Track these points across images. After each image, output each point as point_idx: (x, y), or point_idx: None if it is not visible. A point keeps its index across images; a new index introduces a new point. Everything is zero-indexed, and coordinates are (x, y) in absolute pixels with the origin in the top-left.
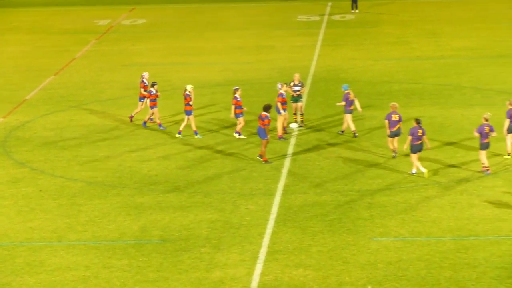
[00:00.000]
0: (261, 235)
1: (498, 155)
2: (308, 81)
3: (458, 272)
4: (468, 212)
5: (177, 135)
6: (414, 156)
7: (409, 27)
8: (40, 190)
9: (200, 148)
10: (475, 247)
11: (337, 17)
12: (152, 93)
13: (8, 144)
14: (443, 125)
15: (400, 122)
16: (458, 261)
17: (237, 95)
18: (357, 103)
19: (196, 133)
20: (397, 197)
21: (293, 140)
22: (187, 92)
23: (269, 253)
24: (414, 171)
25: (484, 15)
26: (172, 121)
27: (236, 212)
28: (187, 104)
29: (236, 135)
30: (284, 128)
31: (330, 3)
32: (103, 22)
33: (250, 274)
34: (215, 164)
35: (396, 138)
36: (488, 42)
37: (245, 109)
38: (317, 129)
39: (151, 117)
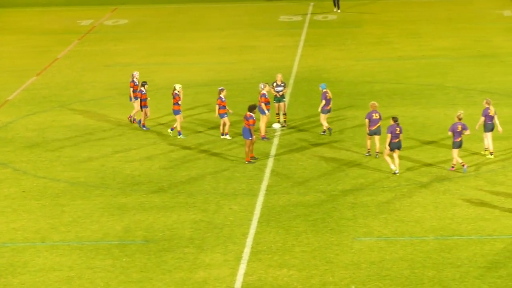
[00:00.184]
0: (245, 235)
1: (476, 153)
2: (291, 81)
3: (441, 271)
4: (451, 212)
5: (178, 136)
6: (390, 153)
7: (391, 27)
8: (23, 191)
9: (183, 148)
10: (458, 246)
11: (319, 17)
12: (143, 92)
13: None
14: (425, 125)
15: (380, 121)
16: (441, 261)
17: (221, 96)
18: (323, 102)
19: (179, 134)
20: (380, 197)
21: (276, 140)
22: (176, 92)
23: (253, 253)
24: (393, 166)
25: (466, 15)
26: (156, 122)
27: (219, 212)
28: (176, 104)
29: (226, 137)
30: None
31: (312, 3)
32: (86, 22)
33: (233, 274)
34: (198, 165)
35: (378, 137)
36: (470, 42)
37: (230, 111)
38: (300, 129)
39: (133, 116)
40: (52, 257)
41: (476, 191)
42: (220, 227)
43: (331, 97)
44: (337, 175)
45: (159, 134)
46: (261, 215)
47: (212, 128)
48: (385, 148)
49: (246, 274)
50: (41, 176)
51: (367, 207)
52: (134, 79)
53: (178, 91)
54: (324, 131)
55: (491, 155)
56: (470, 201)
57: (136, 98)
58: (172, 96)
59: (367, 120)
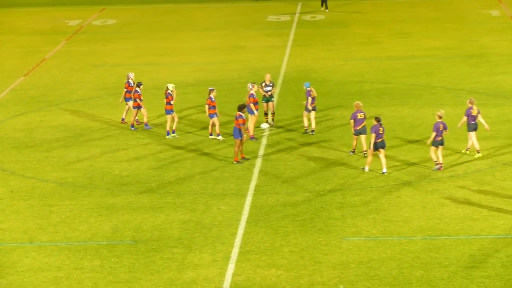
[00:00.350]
0: (233, 235)
1: (458, 152)
2: (279, 81)
3: (429, 271)
4: (439, 212)
5: (167, 137)
6: (373, 153)
7: (380, 27)
8: (11, 191)
9: (172, 148)
10: (447, 246)
11: (307, 17)
12: (138, 93)
13: None
14: (414, 125)
15: (365, 120)
16: (429, 261)
17: (211, 96)
18: (309, 101)
19: (168, 134)
20: (368, 196)
21: (264, 140)
22: (169, 91)
23: (241, 253)
24: (367, 168)
25: (454, 15)
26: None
27: (208, 213)
28: (168, 103)
29: (218, 137)
30: (246, 129)
31: (300, 3)
32: (74, 23)
33: (222, 274)
34: (186, 165)
35: (363, 136)
36: (459, 42)
37: (218, 114)
38: (288, 129)
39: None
40: (40, 258)
41: (464, 191)
42: (208, 227)
43: (316, 95)
44: (325, 175)
45: (148, 134)
46: (250, 215)
47: (201, 128)
48: (369, 148)
49: (234, 274)
50: (29, 176)
51: (355, 207)
52: (130, 80)
53: (171, 91)
54: (312, 130)
55: (478, 153)
56: (458, 201)
57: (129, 99)
58: (165, 96)
59: (352, 121)
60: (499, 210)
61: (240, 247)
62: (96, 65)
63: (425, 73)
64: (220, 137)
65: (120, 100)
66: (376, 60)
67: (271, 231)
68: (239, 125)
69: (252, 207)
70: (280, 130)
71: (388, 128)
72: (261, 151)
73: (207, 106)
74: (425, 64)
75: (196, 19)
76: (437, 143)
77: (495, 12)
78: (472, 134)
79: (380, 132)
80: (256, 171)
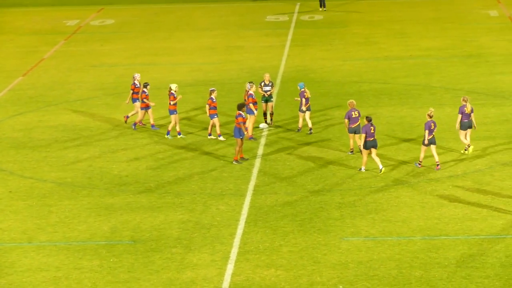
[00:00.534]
0: (232, 235)
1: (457, 152)
2: (277, 81)
3: (428, 271)
4: (438, 212)
5: (166, 136)
6: (366, 152)
7: (378, 27)
8: (10, 191)
9: (170, 148)
10: (446, 246)
11: (305, 17)
12: (146, 93)
13: None
14: (413, 125)
15: (360, 118)
16: (428, 261)
17: (212, 96)
18: (303, 102)
19: (168, 133)
20: (367, 197)
21: (263, 140)
22: (172, 92)
23: (240, 254)
24: (363, 168)
25: (453, 15)
26: (143, 122)
27: (206, 213)
28: (174, 104)
29: (220, 138)
30: (245, 128)
31: (298, 3)
32: (72, 23)
33: (221, 274)
34: (185, 165)
35: (358, 135)
36: (457, 42)
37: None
38: (287, 129)
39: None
40: (39, 258)
41: (463, 191)
42: (207, 227)
43: (309, 96)
44: (324, 175)
45: (146, 134)
46: (249, 215)
47: (200, 128)
48: (360, 147)
49: (233, 274)
50: (28, 176)
51: (354, 207)
52: (136, 81)
53: (174, 91)
54: (299, 129)
55: (469, 147)
56: (457, 201)
57: (136, 100)
58: (168, 96)
59: (346, 120)
60: (498, 210)
61: (239, 247)
62: (94, 65)
63: (423, 73)
64: (221, 138)
65: (127, 101)
66: (375, 60)
67: (270, 231)
68: (239, 124)
69: (251, 207)
70: (279, 130)
71: (387, 128)
72: (260, 151)
73: (207, 107)
74: (424, 64)
75: (194, 19)
76: (428, 142)
77: (493, 12)
78: (466, 132)
79: (372, 131)
80: (255, 171)
